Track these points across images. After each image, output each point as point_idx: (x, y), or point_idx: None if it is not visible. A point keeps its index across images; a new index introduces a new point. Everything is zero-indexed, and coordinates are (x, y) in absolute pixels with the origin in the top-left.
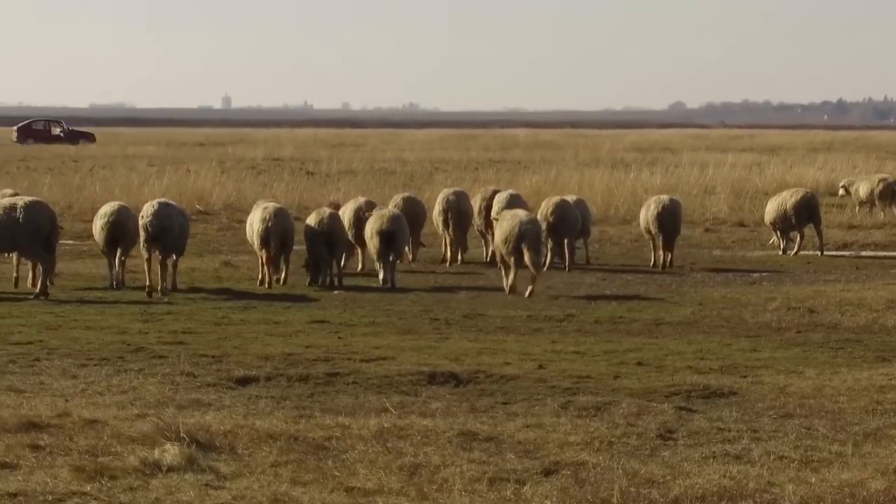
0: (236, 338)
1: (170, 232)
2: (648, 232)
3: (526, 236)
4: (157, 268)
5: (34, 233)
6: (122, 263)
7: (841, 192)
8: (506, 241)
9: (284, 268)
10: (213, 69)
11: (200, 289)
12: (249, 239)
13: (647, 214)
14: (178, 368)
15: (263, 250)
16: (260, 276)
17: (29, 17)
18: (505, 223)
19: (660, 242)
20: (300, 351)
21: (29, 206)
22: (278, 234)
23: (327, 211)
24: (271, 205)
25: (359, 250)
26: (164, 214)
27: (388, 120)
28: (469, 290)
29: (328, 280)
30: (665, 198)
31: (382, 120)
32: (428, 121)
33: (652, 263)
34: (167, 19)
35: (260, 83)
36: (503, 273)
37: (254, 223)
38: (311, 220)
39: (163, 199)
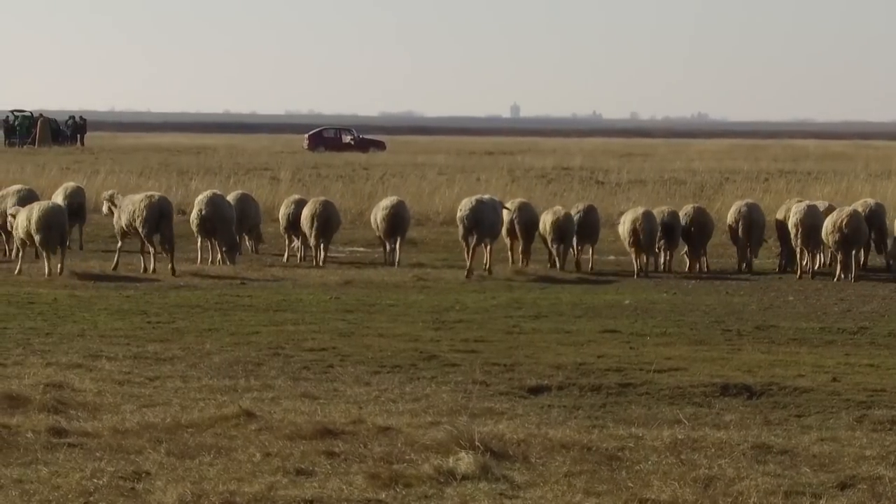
0: (528, 346)
1: (485, 223)
2: None
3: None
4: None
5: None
6: (399, 249)
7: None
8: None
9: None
10: (502, 78)
11: (490, 297)
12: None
13: None
14: (471, 377)
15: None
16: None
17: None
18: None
19: None
20: (592, 360)
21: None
22: (523, 223)
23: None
24: (518, 200)
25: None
26: (480, 209)
27: (676, 129)
28: (760, 300)
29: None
30: None
31: (670, 129)
32: (716, 130)
33: None
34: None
35: (549, 92)
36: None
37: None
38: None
39: (478, 196)
